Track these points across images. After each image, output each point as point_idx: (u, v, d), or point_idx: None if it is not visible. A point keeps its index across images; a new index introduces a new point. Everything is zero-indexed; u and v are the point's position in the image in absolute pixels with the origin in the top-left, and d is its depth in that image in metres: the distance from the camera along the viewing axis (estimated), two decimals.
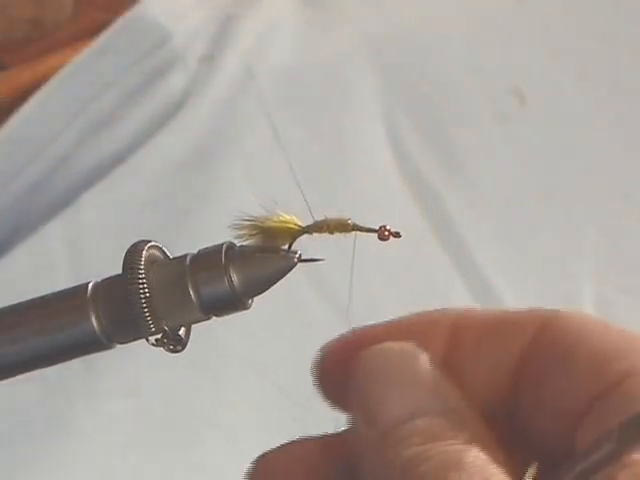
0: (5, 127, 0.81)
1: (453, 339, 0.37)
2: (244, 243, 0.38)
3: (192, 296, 0.37)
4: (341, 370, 0.36)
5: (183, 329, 0.39)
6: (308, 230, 0.38)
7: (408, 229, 0.37)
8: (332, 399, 0.37)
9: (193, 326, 0.39)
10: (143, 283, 0.37)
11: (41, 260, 0.78)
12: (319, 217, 0.38)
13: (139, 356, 0.73)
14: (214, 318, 0.38)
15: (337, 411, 0.37)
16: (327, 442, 0.37)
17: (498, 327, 0.37)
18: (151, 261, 0.38)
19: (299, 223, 0.38)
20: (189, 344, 0.38)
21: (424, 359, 0.35)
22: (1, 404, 0.72)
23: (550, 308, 0.36)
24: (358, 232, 0.38)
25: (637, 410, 0.32)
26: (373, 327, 0.38)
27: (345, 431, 0.36)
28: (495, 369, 0.36)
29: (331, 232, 0.38)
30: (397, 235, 0.37)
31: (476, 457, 0.32)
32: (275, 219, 0.38)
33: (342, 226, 0.38)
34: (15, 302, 0.38)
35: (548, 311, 0.36)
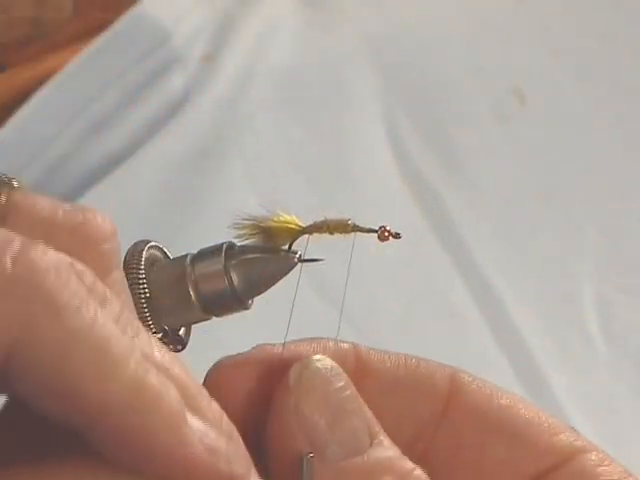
0: (5, 127, 0.81)
1: (358, 379, 0.37)
2: (244, 243, 0.39)
3: (192, 296, 0.37)
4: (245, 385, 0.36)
5: (183, 329, 0.39)
6: (308, 230, 0.38)
7: (408, 229, 0.37)
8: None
9: (193, 326, 0.39)
10: (143, 283, 0.37)
11: None
12: (319, 217, 0.38)
13: None
14: (215, 318, 0.38)
15: None
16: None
17: (410, 381, 0.37)
18: (151, 261, 0.38)
19: (299, 223, 0.38)
20: (190, 344, 0.38)
21: (348, 379, 0.36)
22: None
23: (451, 367, 0.37)
24: (358, 232, 0.38)
25: None
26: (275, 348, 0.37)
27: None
28: (402, 421, 0.37)
29: (331, 232, 0.38)
30: (397, 236, 0.38)
31: None
32: (275, 219, 0.38)
33: (342, 227, 0.38)
34: None
35: (452, 371, 0.37)
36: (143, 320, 0.36)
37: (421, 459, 0.36)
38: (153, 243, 0.38)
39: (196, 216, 0.80)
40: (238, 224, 0.38)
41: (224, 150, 0.85)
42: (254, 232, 0.38)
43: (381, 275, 0.79)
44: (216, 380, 0.38)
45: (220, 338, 0.76)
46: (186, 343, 0.38)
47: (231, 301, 0.37)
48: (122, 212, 0.81)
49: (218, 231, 0.38)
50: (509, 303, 0.81)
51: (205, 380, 0.38)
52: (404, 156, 0.88)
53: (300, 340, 0.38)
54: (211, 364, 0.76)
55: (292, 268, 0.38)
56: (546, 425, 0.36)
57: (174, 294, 0.37)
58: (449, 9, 0.98)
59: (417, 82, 0.92)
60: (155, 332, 0.37)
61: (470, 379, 0.37)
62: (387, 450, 0.34)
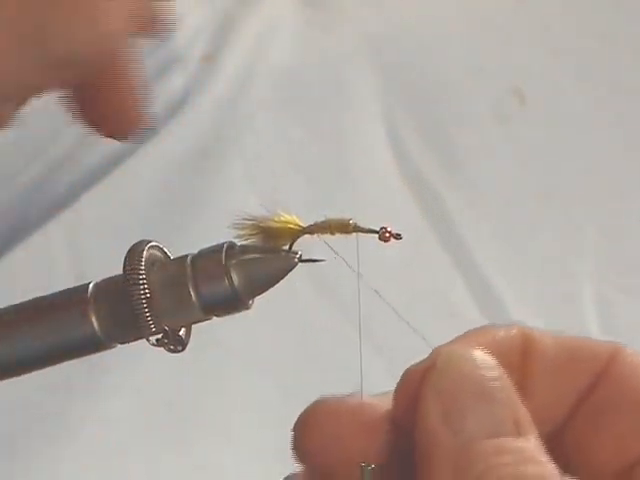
0: None
1: (525, 360, 0.36)
2: (244, 243, 0.38)
3: (193, 296, 0.37)
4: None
5: (184, 329, 0.39)
6: (309, 230, 0.38)
7: (408, 229, 0.37)
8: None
9: (194, 326, 0.39)
10: (144, 283, 0.37)
11: (41, 260, 0.78)
12: (320, 217, 0.38)
13: (140, 356, 0.73)
14: (215, 318, 0.38)
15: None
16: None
17: (570, 356, 0.36)
18: (152, 261, 0.38)
19: (300, 223, 0.38)
20: (190, 344, 0.38)
21: (502, 373, 0.34)
22: (1, 404, 0.72)
23: (616, 342, 0.36)
24: (359, 233, 0.38)
25: None
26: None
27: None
28: (560, 397, 0.36)
29: (332, 233, 0.38)
30: (398, 237, 0.37)
31: None
32: (276, 219, 0.38)
33: (343, 227, 0.38)
34: (15, 302, 0.38)
35: (615, 346, 0.36)
36: (144, 320, 0.36)
37: (565, 427, 0.35)
38: (153, 243, 0.38)
39: (196, 216, 0.81)
40: (238, 224, 0.38)
41: (224, 150, 0.85)
42: (254, 232, 0.38)
43: (381, 275, 0.79)
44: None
45: (220, 338, 0.76)
46: (186, 343, 0.38)
47: (232, 301, 0.37)
48: (122, 212, 0.82)
49: (218, 231, 0.38)
50: (509, 303, 0.81)
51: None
52: (404, 156, 0.88)
53: (469, 331, 0.36)
54: (211, 364, 0.76)
55: (292, 268, 0.38)
56: None
57: (174, 294, 0.37)
58: (449, 9, 0.98)
59: (417, 82, 0.92)
60: (155, 332, 0.37)
61: (630, 352, 0.36)
62: (533, 448, 0.32)
